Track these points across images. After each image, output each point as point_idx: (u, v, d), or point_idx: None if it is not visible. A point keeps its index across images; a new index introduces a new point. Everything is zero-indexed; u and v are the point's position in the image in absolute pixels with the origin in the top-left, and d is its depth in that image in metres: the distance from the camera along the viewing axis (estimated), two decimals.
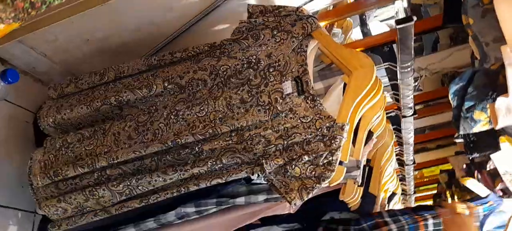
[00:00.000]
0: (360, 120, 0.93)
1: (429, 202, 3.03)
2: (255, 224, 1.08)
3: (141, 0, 1.08)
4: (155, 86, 1.00)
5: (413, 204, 2.44)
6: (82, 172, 0.99)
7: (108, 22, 1.12)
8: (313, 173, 0.83)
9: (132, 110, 1.04)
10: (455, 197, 2.08)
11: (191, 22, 1.15)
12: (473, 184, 1.67)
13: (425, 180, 2.96)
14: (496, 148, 1.27)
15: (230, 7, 1.12)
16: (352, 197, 0.99)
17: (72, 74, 1.24)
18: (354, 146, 0.95)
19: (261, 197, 0.98)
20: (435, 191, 2.81)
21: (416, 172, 2.69)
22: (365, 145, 0.95)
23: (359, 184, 1.00)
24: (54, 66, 1.25)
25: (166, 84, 1.00)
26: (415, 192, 2.25)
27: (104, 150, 1.00)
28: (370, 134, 0.99)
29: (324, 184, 0.84)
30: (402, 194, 2.02)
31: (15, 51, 1.15)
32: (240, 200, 0.98)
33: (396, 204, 1.77)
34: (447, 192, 2.28)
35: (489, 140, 1.27)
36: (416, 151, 2.38)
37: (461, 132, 1.19)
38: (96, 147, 1.02)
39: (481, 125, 1.14)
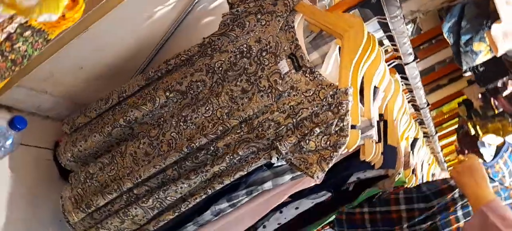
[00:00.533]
0: (363, 79, 0.93)
1: (453, 138, 3.00)
2: (285, 201, 1.10)
3: (116, 21, 1.09)
4: (158, 99, 1.02)
5: (438, 144, 2.42)
6: (111, 198, 1.02)
7: (93, 50, 1.15)
8: (328, 142, 0.84)
9: (142, 127, 1.07)
10: (477, 128, 2.05)
11: (175, 25, 1.16)
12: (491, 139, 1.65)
13: (445, 117, 2.93)
14: (506, 72, 1.25)
15: (209, 2, 1.12)
16: (373, 155, 1.00)
17: (77, 103, 1.28)
18: (363, 106, 0.96)
19: (287, 177, 1.00)
20: (456, 126, 2.77)
21: (434, 112, 2.66)
22: (373, 101, 0.95)
23: (377, 141, 1.00)
24: (58, 100, 1.28)
25: (167, 94, 1.02)
26: (437, 132, 2.23)
27: (126, 172, 1.03)
28: (376, 90, 0.99)
29: (341, 151, 0.85)
30: (424, 136, 2.01)
31: (16, 96, 1.18)
32: (268, 184, 1.00)
33: (421, 149, 1.77)
34: (469, 124, 2.25)
35: (497, 67, 1.25)
36: (430, 90, 2.35)
37: (465, 67, 1.18)
38: (118, 171, 1.05)
39: (483, 55, 1.12)
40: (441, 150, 2.72)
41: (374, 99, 0.95)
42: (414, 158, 1.44)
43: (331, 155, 0.84)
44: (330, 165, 0.86)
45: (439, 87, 2.54)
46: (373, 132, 0.91)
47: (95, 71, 1.25)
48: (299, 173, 0.97)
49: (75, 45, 0.98)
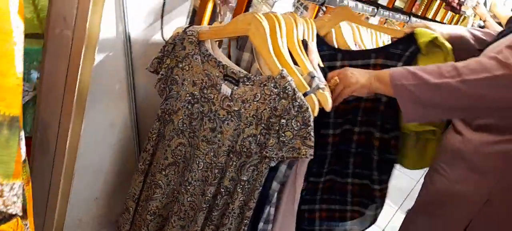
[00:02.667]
0: (288, 48, 0.99)
1: None
2: None
3: (90, 145, 1.22)
4: (160, 181, 1.14)
5: None
6: None
7: (93, 173, 1.28)
8: (298, 123, 0.91)
9: (167, 209, 1.20)
10: None
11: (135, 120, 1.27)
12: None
13: None
14: None
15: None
16: (330, 101, 0.98)
17: (111, 222, 1.44)
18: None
19: (282, 167, 1.06)
20: None
21: None
22: (308, 55, 1.02)
23: (324, 84, 1.00)
24: None
25: (164, 173, 1.14)
26: None
27: None
28: (305, 42, 1.05)
29: (312, 122, 0.92)
30: None
31: None
32: (274, 185, 1.07)
33: None
34: None
35: None
36: None
37: None
38: None
39: None
40: None
41: (307, 52, 1.02)
42: None
43: (309, 131, 0.91)
44: (313, 139, 0.93)
45: None
46: (317, 81, 0.95)
47: (108, 195, 1.40)
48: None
49: (79, 177, 1.10)
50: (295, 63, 0.99)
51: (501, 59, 0.83)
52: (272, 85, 0.93)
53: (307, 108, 0.91)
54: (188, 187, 1.11)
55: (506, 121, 0.96)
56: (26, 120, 1.22)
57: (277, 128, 0.94)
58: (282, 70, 0.92)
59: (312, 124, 0.91)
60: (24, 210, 0.64)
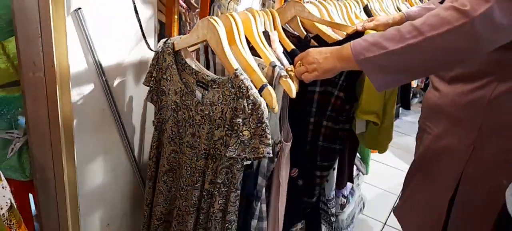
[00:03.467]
0: (248, 42, 1.01)
1: None
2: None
3: (88, 170, 1.26)
4: (161, 188, 1.19)
5: None
6: None
7: (97, 201, 1.33)
8: (254, 121, 0.91)
9: (172, 209, 1.24)
10: None
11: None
12: None
13: None
14: None
15: None
16: (295, 87, 0.97)
17: None
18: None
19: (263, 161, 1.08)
20: None
21: None
22: (270, 45, 1.03)
23: (289, 69, 1.01)
24: None
25: (164, 179, 1.18)
26: None
27: None
28: (266, 33, 1.06)
29: (267, 116, 0.91)
30: None
31: None
32: (260, 180, 1.09)
33: None
34: None
35: None
36: None
37: None
38: None
39: None
40: None
41: (270, 43, 1.03)
42: None
43: (263, 128, 0.90)
44: (270, 136, 0.92)
45: None
46: (278, 69, 0.95)
47: (116, 215, 1.45)
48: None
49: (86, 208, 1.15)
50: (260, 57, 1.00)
51: (458, 7, 0.81)
52: (229, 85, 0.94)
53: (260, 104, 0.89)
54: (182, 192, 1.14)
55: (474, 68, 0.95)
56: (24, 165, 1.27)
57: (236, 128, 0.94)
58: (236, 69, 0.93)
59: (266, 120, 0.90)
60: None
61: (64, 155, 1.15)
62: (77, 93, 1.13)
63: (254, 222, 1.09)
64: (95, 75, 1.16)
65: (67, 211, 1.24)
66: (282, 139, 1.06)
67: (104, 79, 1.17)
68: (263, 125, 0.90)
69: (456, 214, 1.03)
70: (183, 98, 1.06)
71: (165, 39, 1.07)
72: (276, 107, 0.93)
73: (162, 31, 1.33)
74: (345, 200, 1.81)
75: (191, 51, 1.15)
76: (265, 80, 0.93)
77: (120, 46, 1.21)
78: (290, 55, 1.05)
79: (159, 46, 1.08)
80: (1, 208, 0.67)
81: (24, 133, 1.24)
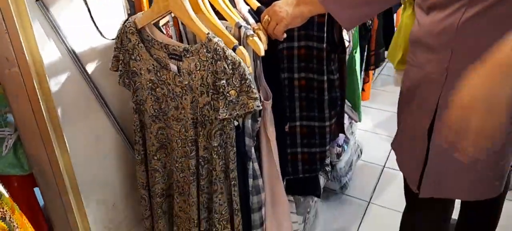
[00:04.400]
0: (213, 8, 1.01)
1: None
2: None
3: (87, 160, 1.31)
4: (155, 166, 1.24)
5: None
6: None
7: (101, 185, 1.38)
8: (237, 80, 0.94)
9: (169, 185, 1.29)
10: None
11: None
12: None
13: None
14: None
15: None
16: (263, 42, 1.00)
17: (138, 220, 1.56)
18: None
19: (247, 122, 1.10)
20: None
21: None
22: (234, 6, 1.03)
23: (257, 28, 1.03)
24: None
25: (157, 157, 1.22)
26: None
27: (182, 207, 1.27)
28: None
29: (249, 74, 0.94)
30: None
31: None
32: (248, 141, 1.11)
33: None
34: None
35: None
36: None
37: None
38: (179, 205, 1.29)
39: None
40: None
41: (234, 5, 1.03)
42: None
43: (248, 84, 0.94)
44: (255, 89, 0.95)
45: None
46: (243, 29, 0.96)
47: (121, 195, 1.51)
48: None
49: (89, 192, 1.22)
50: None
51: None
52: (205, 50, 0.96)
53: (240, 63, 0.93)
54: (177, 165, 1.18)
55: None
56: (21, 160, 1.31)
57: (221, 90, 0.97)
58: (207, 33, 0.94)
59: (249, 76, 0.94)
60: None
61: (56, 146, 1.18)
62: (55, 84, 1.15)
63: (250, 181, 1.14)
64: (71, 63, 1.17)
65: (70, 199, 1.30)
66: (262, 98, 1.08)
67: (80, 66, 1.18)
68: (247, 81, 0.93)
69: (434, 138, 1.07)
70: (158, 75, 1.08)
71: (125, 19, 1.07)
72: (250, 67, 0.95)
73: (133, 11, 1.32)
74: (340, 149, 1.85)
75: (162, 26, 1.15)
76: (235, 41, 0.95)
77: (90, 31, 1.21)
78: (257, 13, 1.06)
79: (120, 28, 1.08)
80: None
81: (15, 129, 1.27)
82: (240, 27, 0.97)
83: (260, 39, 0.98)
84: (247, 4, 1.07)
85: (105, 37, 1.22)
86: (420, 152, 1.10)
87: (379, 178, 2.20)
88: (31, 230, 0.83)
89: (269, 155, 1.15)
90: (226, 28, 1.01)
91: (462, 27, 0.94)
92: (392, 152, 1.30)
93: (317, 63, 1.24)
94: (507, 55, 0.91)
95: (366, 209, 1.97)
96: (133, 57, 1.10)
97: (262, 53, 0.97)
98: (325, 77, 1.26)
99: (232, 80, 0.95)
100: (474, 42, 0.94)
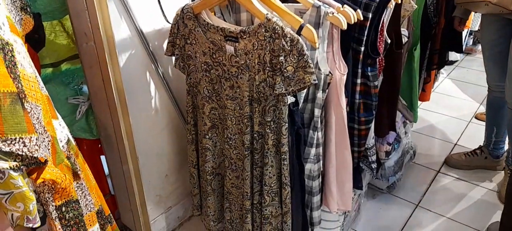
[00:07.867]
0: None
1: None
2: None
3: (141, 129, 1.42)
4: (207, 145, 1.29)
5: None
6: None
7: (155, 155, 1.49)
8: (295, 56, 0.98)
9: (221, 168, 1.36)
10: None
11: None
12: None
13: None
14: None
15: None
16: (344, 20, 1.03)
17: (186, 194, 1.66)
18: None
19: (318, 94, 1.14)
20: None
21: None
22: None
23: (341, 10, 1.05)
24: (177, 204, 1.69)
25: (208, 136, 1.27)
26: None
27: (238, 191, 1.34)
28: None
29: (306, 51, 0.97)
30: None
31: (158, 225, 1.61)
32: (317, 112, 1.16)
33: None
34: None
35: None
36: None
37: None
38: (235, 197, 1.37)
39: None
40: None
41: None
42: None
43: (305, 59, 0.98)
44: (312, 65, 0.99)
45: None
46: (323, 8, 1.00)
47: (174, 168, 1.63)
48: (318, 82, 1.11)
49: (146, 162, 1.31)
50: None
51: None
52: (263, 30, 1.00)
53: (298, 40, 0.97)
54: (230, 142, 1.24)
55: None
56: (91, 126, 1.48)
57: (279, 66, 1.01)
58: (266, 14, 0.98)
59: (306, 52, 0.97)
60: (75, 173, 0.85)
61: (120, 115, 1.32)
62: (124, 60, 1.27)
63: (312, 150, 1.19)
64: (138, 42, 1.29)
65: (128, 164, 1.43)
66: (342, 70, 1.14)
67: (147, 45, 1.29)
68: (305, 57, 0.97)
69: None
70: (214, 57, 1.14)
71: (182, 7, 1.14)
72: (317, 43, 1.00)
73: None
74: (390, 147, 1.80)
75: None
76: (301, 20, 0.99)
77: (156, 14, 1.31)
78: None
79: (177, 15, 1.14)
80: (61, 141, 0.83)
81: (88, 98, 1.43)
82: (318, 7, 1.01)
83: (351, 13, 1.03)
84: None
85: (168, 22, 1.31)
86: None
87: (430, 183, 2.10)
88: (91, 176, 0.94)
89: (340, 123, 1.20)
90: (295, 11, 1.06)
91: None
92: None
93: (353, 65, 1.23)
94: None
95: (412, 212, 1.90)
96: (188, 42, 1.17)
97: (344, 26, 1.02)
98: (358, 81, 1.26)
99: (290, 57, 0.99)
100: None
